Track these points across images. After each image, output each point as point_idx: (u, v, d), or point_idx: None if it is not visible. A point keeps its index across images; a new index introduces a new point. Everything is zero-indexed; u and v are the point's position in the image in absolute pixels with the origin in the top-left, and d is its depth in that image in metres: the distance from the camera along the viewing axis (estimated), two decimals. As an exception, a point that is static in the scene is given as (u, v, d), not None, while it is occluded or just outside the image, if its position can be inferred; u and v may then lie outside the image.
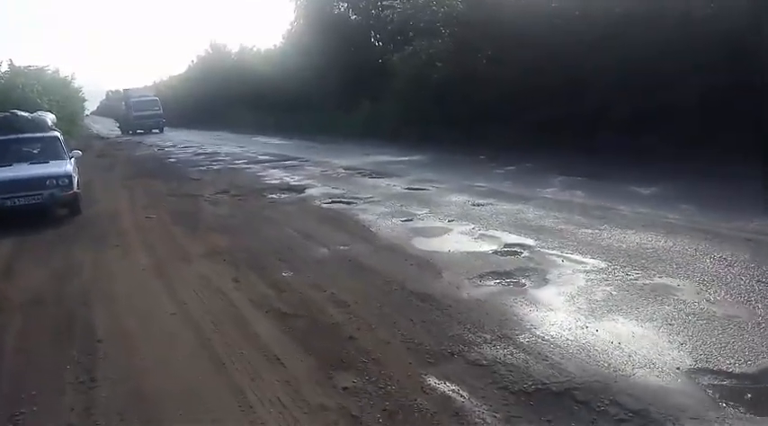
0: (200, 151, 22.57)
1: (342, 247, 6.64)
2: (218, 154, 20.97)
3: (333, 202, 9.74)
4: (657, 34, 13.81)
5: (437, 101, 21.94)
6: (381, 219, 8.03)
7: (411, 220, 7.86)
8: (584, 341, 3.81)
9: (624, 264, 5.32)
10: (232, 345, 4.13)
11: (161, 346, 4.25)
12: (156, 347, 4.24)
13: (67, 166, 9.91)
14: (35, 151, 10.41)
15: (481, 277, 5.24)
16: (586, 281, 4.96)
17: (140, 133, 39.25)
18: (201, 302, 5.10)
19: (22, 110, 11.08)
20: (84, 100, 46.68)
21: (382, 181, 11.78)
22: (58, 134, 10.87)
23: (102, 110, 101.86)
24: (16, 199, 9.11)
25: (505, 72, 18.33)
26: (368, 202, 9.44)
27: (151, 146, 27.27)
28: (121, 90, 54.87)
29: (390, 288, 5.11)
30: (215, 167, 16.48)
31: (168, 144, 27.23)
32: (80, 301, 5.32)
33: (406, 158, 16.49)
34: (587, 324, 4.08)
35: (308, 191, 11.07)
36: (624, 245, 5.97)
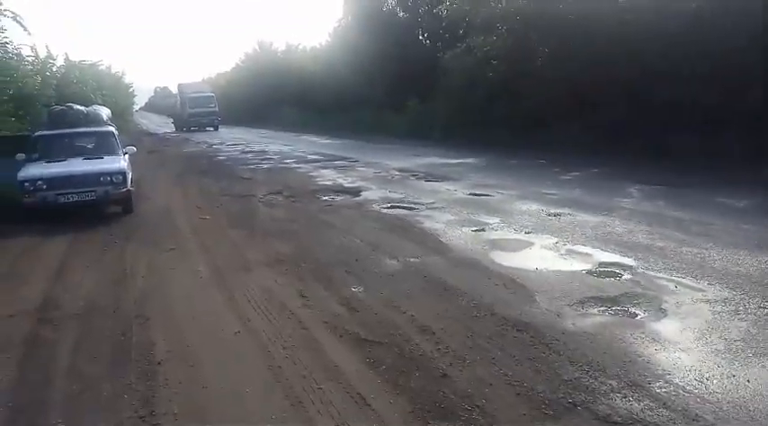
0: (248, 149, 22.35)
1: (412, 259, 6.06)
2: (266, 152, 20.70)
3: (392, 207, 9.18)
4: (741, 27, 12.80)
5: (491, 100, 21.16)
6: (450, 228, 7.42)
7: (483, 230, 7.23)
8: (736, 396, 3.13)
9: (752, 293, 4.58)
10: (308, 377, 3.60)
11: (228, 373, 3.75)
12: (223, 374, 3.75)
13: (122, 163, 9.63)
14: (90, 146, 10.19)
15: (582, 303, 4.58)
16: (713, 314, 4.24)
17: (193, 130, 37.84)
18: (267, 320, 4.60)
19: (78, 105, 10.87)
20: (135, 95, 47.65)
21: (441, 186, 11.16)
22: (113, 129, 10.64)
23: (150, 107, 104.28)
24: (70, 196, 8.87)
25: (566, 71, 17.46)
26: (431, 208, 8.85)
27: (199, 143, 27.28)
28: (174, 86, 55.38)
29: (478, 312, 4.50)
30: (265, 166, 16.14)
31: (216, 141, 27.19)
32: (136, 313, 4.90)
33: (461, 161, 15.82)
34: (733, 372, 3.39)
35: (365, 194, 10.54)
36: (743, 269, 5.21)
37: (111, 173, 9.21)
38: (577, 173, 12.42)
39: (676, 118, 14.54)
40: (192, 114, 38.38)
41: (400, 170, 13.95)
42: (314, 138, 28.47)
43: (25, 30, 13.95)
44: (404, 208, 9.08)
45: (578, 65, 17.09)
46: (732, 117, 13.12)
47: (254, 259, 6.42)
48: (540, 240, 6.62)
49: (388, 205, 9.37)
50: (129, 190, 9.47)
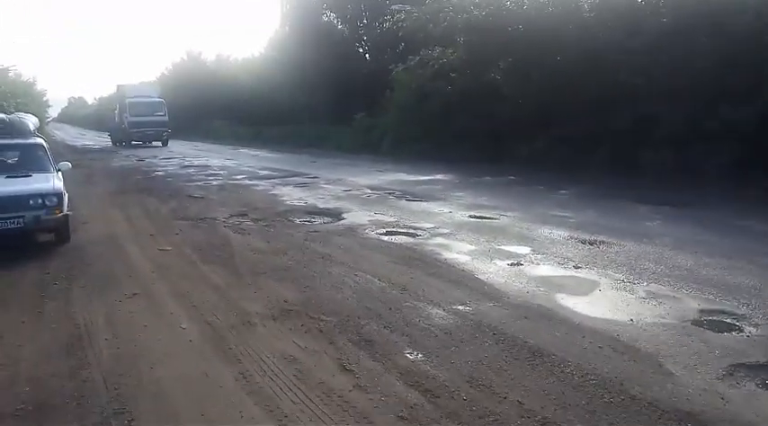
0: (187, 163, 20.40)
1: (461, 307, 4.84)
2: (209, 166, 18.89)
3: (390, 233, 7.93)
4: (719, 42, 12.55)
5: (447, 115, 20.36)
6: (479, 261, 6.26)
7: (521, 264, 6.12)
8: None
9: None
10: None
11: None
12: None
13: (55, 181, 7.86)
14: (13, 161, 8.32)
15: (731, 374, 3.53)
16: None
17: (135, 144, 30.90)
18: (315, 416, 3.23)
19: (-3, 111, 8.94)
20: (49, 105, 43.88)
21: (430, 206, 10.02)
22: (42, 141, 8.78)
23: (64, 118, 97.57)
24: (-9, 224, 7.04)
25: (530, 83, 16.90)
26: (438, 235, 7.67)
27: (129, 156, 24.87)
28: (90, 97, 50.10)
29: (606, 392, 3.34)
30: (215, 183, 14.44)
31: (148, 154, 24.83)
32: (110, 407, 3.39)
33: (430, 177, 14.81)
34: None
35: (349, 217, 9.22)
36: None
37: (42, 195, 7.43)
38: (566, 192, 11.64)
39: (643, 133, 14.19)
40: (135, 124, 30.84)
41: (371, 187, 12.73)
42: (254, 152, 26.77)
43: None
44: (404, 234, 7.85)
45: (538, 80, 16.58)
46: (700, 133, 12.82)
47: (253, 309, 4.98)
48: (602, 277, 5.58)
49: (384, 230, 8.11)
50: (65, 214, 7.71)
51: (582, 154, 15.45)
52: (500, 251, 6.65)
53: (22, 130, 8.73)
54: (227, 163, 20.28)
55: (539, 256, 6.40)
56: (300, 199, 11.33)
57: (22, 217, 7.23)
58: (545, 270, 5.90)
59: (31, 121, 9.09)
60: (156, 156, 23.98)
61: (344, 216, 9.39)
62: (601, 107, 15.05)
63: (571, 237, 7.23)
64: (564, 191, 11.66)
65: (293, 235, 7.97)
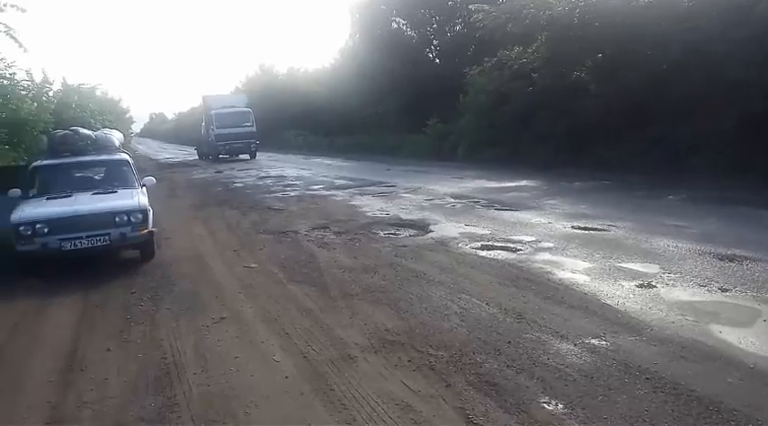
0: (264, 174, 20.42)
1: (595, 341, 4.10)
2: (285, 177, 18.78)
3: (486, 248, 7.25)
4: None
5: (526, 117, 19.38)
6: (600, 282, 5.48)
7: (653, 286, 5.28)
8: None
9: None
10: None
11: None
12: None
13: (140, 198, 7.70)
14: (100, 178, 8.27)
15: None
16: None
17: (223, 158, 28.77)
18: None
19: (84, 128, 8.96)
20: (133, 121, 45.96)
21: (525, 217, 9.24)
22: (128, 157, 8.70)
23: (146, 133, 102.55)
24: (78, 241, 6.93)
25: (622, 81, 15.69)
26: (543, 250, 6.92)
27: (207, 168, 25.37)
28: (170, 112, 50.53)
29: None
30: (292, 194, 14.21)
31: (226, 167, 25.19)
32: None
33: (515, 184, 13.95)
34: None
35: (437, 230, 8.61)
36: None
37: (128, 211, 7.27)
38: (674, 197, 10.49)
39: (751, 133, 12.74)
40: (221, 136, 28.40)
41: (454, 196, 12.06)
42: (328, 161, 26.62)
43: (21, 46, 11.93)
44: (503, 248, 7.14)
45: (634, 76, 15.34)
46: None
47: (350, 339, 4.44)
48: (761, 303, 4.68)
49: (479, 245, 7.43)
50: (150, 231, 7.52)
51: (680, 156, 14.16)
52: (622, 269, 5.82)
53: (107, 146, 8.70)
54: (303, 173, 20.15)
55: (672, 275, 5.53)
56: (382, 209, 10.82)
57: (108, 234, 7.09)
58: (685, 293, 5.04)
59: (116, 137, 9.06)
60: (233, 168, 24.26)
61: (432, 228, 8.79)
62: (702, 105, 13.70)
63: (702, 252, 6.29)
64: (672, 197, 10.54)
65: (380, 251, 7.44)
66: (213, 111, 29.22)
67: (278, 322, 5.00)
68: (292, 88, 46.11)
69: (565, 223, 8.39)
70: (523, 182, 14.18)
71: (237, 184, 17.34)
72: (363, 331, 4.58)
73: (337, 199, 12.80)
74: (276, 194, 14.35)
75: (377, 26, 34.89)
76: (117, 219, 7.15)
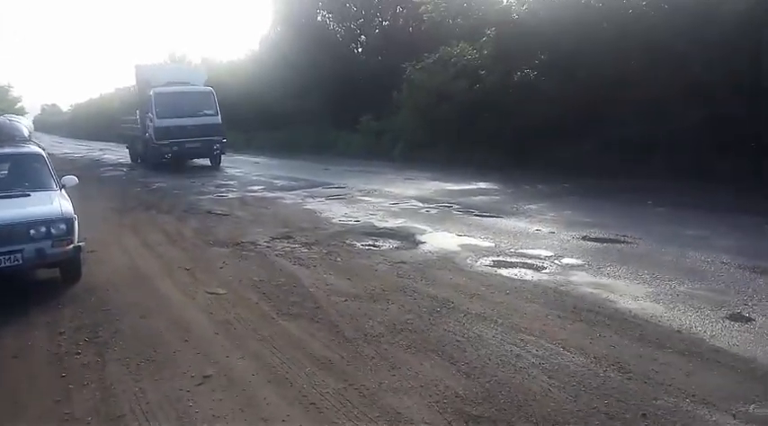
0: (188, 173, 18.35)
1: (757, 410, 3.07)
2: (214, 176, 16.90)
3: (501, 264, 6.16)
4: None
5: (469, 117, 18.66)
6: (680, 313, 4.52)
7: (748, 318, 4.37)
8: None
9: None
10: None
11: None
12: None
13: (62, 202, 5.97)
14: (6, 176, 6.39)
15: None
16: None
17: (165, 162, 18.56)
18: None
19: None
20: (25, 112, 41.44)
21: (516, 225, 8.26)
22: (41, 150, 6.83)
23: (36, 125, 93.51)
24: (-23, 263, 5.15)
25: (575, 81, 15.26)
26: (574, 268, 5.92)
27: (116, 164, 22.74)
28: (66, 104, 41.96)
29: None
30: (230, 195, 12.53)
31: (133, 163, 22.42)
32: None
33: (473, 187, 13.02)
34: None
35: (427, 241, 7.44)
36: None
37: (47, 221, 5.56)
38: (653, 202, 9.89)
39: (713, 136, 12.64)
40: (166, 131, 18.06)
41: (420, 199, 10.95)
42: (253, 159, 24.65)
43: None
44: (522, 266, 6.08)
45: (589, 75, 14.95)
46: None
47: (414, 415, 3.15)
48: None
49: (490, 260, 6.34)
50: (77, 246, 5.80)
51: (636, 159, 13.87)
52: (691, 294, 4.91)
53: (12, 136, 6.78)
54: (232, 171, 18.31)
55: (753, 301, 4.67)
56: (347, 215, 9.49)
57: (20, 251, 5.36)
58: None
59: (25, 125, 7.11)
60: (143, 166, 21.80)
61: (420, 238, 7.60)
62: (662, 105, 13.45)
63: (745, 267, 5.53)
64: (651, 202, 9.94)
65: (376, 269, 6.14)
66: (154, 91, 18.47)
67: (290, 382, 3.61)
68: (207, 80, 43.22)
69: (570, 233, 7.48)
70: (481, 185, 13.31)
71: (160, 184, 15.28)
72: (425, 399, 3.31)
73: (287, 202, 11.30)
74: (210, 195, 12.61)
75: (301, 16, 33.26)
76: (32, 232, 5.41)
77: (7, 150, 6.53)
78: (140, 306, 5.22)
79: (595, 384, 3.39)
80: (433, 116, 20.19)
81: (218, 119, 19.55)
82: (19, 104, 35.77)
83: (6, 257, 5.27)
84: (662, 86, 13.24)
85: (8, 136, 6.72)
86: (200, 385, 3.64)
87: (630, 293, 4.98)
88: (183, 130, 18.24)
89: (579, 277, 5.54)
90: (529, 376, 3.52)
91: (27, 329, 4.77)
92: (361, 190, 12.49)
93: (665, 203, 9.75)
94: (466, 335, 4.19)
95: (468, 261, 6.30)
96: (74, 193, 6.78)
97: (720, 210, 8.93)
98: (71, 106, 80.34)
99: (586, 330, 4.20)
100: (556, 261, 6.14)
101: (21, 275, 5.79)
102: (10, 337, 4.61)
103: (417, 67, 21.37)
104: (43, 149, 6.91)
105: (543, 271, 5.82)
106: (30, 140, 7.00)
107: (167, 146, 18.12)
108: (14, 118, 7.37)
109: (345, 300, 5.12)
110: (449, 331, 4.30)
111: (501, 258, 6.41)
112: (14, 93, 33.74)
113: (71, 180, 6.77)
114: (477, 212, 9.42)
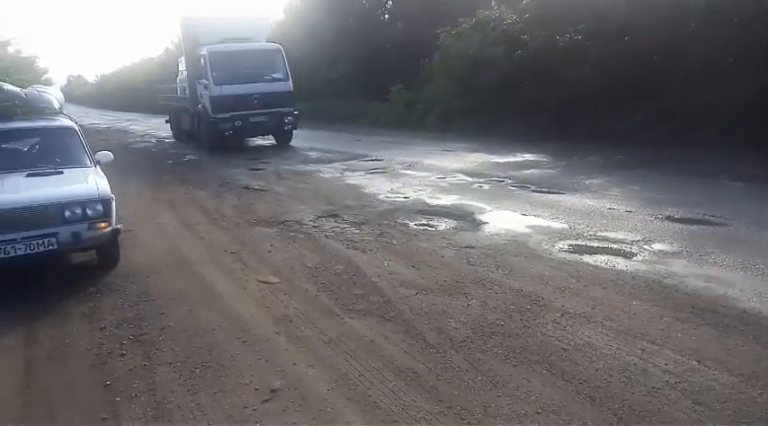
0: (217, 143, 17.78)
1: None
2: (241, 149, 16.34)
3: (581, 250, 5.49)
4: None
5: (510, 85, 17.69)
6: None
7: None
8: None
9: None
10: None
11: None
12: None
13: (98, 180, 5.43)
14: (36, 152, 5.88)
15: None
16: None
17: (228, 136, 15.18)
18: None
19: (10, 84, 6.40)
20: (52, 83, 41.19)
21: (585, 202, 7.52)
22: (74, 124, 6.28)
23: (64, 97, 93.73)
24: (10, 247, 4.64)
25: (626, 46, 14.24)
26: (666, 254, 5.22)
27: (145, 135, 22.36)
28: (91, 75, 36.94)
29: None
30: (263, 168, 11.96)
31: (162, 133, 21.94)
32: None
33: (519, 159, 12.21)
34: None
35: (489, 220, 6.78)
36: None
37: (83, 202, 5.02)
38: (741, 183, 8.89)
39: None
40: (228, 101, 14.39)
41: (467, 173, 10.26)
42: (282, 129, 23.94)
43: None
44: (607, 251, 5.41)
45: (640, 41, 13.91)
46: None
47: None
48: None
49: (567, 245, 5.67)
50: (115, 229, 5.28)
51: (691, 130, 12.88)
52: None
53: (43, 108, 6.23)
54: (261, 142, 17.73)
55: None
56: (393, 191, 8.86)
57: (55, 235, 4.83)
58: None
59: (56, 97, 6.54)
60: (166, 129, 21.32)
61: (479, 218, 6.94)
62: (721, 74, 12.41)
63: None
64: (724, 175, 9.06)
65: (442, 255, 5.52)
66: (207, 50, 14.60)
67: (375, 402, 3.03)
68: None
69: (650, 212, 6.74)
70: (529, 157, 12.51)
71: (191, 156, 14.78)
72: (547, 428, 2.70)
73: (326, 176, 10.69)
74: (243, 168, 12.05)
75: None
76: (67, 214, 4.90)
77: (37, 123, 5.99)
78: (186, 297, 4.70)
79: (759, 413, 2.75)
80: (471, 84, 19.28)
81: (290, 85, 15.62)
82: (45, 76, 35.45)
83: (40, 241, 4.77)
84: (722, 52, 12.21)
85: (38, 108, 6.16)
86: (266, 402, 3.09)
87: (752, 288, 4.28)
88: (247, 100, 14.52)
89: (681, 267, 4.84)
90: (668, 400, 2.89)
91: (62, 322, 4.28)
92: (401, 163, 11.81)
93: (739, 177, 8.89)
94: (572, 342, 3.56)
95: (545, 246, 5.64)
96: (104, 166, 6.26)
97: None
98: (97, 77, 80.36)
99: (717, 337, 3.54)
100: (646, 247, 5.45)
101: (54, 259, 5.32)
102: (43, 332, 4.13)
103: (453, 33, 20.40)
104: (75, 122, 6.35)
105: (635, 259, 5.14)
106: (61, 112, 6.45)
107: (228, 120, 14.45)
108: (44, 88, 6.80)
109: (416, 293, 4.51)
110: (549, 335, 3.68)
111: (580, 242, 5.73)
112: (41, 64, 33.25)
113: (106, 156, 6.26)
114: (534, 187, 8.70)
